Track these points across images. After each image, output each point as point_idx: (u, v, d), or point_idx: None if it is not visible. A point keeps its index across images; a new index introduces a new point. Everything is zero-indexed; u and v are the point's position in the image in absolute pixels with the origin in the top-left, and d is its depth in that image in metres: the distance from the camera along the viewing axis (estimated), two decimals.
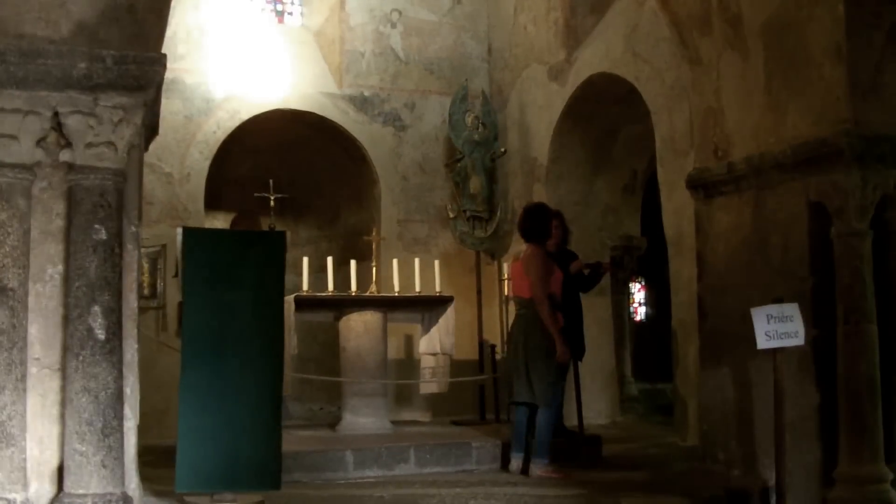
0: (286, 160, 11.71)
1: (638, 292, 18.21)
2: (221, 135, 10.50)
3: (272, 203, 10.48)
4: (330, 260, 8.94)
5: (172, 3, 5.19)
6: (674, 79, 8.21)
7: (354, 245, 11.00)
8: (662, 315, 13.11)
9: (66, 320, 4.42)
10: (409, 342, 10.61)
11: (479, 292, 10.72)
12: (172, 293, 9.73)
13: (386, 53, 11.29)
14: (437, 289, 9.05)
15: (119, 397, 4.45)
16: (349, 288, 8.82)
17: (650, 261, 12.72)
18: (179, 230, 6.19)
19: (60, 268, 4.49)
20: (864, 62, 5.59)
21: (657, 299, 16.93)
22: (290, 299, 7.97)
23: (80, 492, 4.30)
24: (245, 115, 10.59)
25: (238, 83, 10.53)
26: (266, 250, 5.76)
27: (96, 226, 4.42)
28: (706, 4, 6.60)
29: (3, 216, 4.35)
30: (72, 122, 4.42)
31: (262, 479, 5.55)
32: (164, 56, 4.60)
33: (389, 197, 11.24)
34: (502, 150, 10.93)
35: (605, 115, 10.13)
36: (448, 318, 8.87)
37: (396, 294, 8.93)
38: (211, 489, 5.47)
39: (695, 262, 7.14)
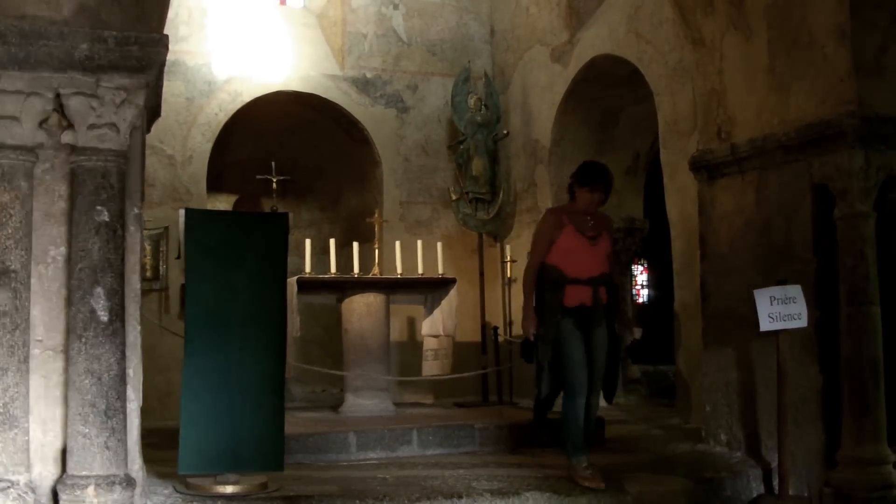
0: (288, 142, 11.69)
1: (640, 274, 18.19)
2: (223, 117, 10.48)
3: (274, 185, 10.44)
4: (332, 242, 8.93)
5: None
6: (677, 60, 8.18)
7: (357, 227, 10.98)
8: (665, 297, 13.10)
9: (69, 302, 4.42)
10: (412, 324, 10.61)
11: (481, 274, 10.70)
12: (175, 275, 9.75)
13: (388, 35, 11.25)
14: (440, 271, 9.04)
15: (122, 379, 4.46)
16: (352, 270, 8.81)
17: (653, 243, 12.69)
18: (182, 212, 6.17)
19: (63, 249, 4.49)
20: (867, 43, 5.57)
21: (660, 281, 16.90)
22: (292, 281, 7.97)
23: (84, 473, 4.32)
24: (247, 97, 10.56)
25: (240, 65, 10.48)
26: (269, 232, 5.73)
27: (99, 207, 4.42)
28: None
29: (5, 198, 4.35)
30: (74, 104, 4.41)
31: (266, 461, 5.55)
32: (166, 37, 4.58)
33: (392, 179, 11.23)
34: (505, 131, 10.90)
35: (607, 97, 10.10)
36: (451, 300, 8.85)
37: (399, 276, 8.92)
38: (214, 471, 5.47)
39: (697, 244, 7.13)
